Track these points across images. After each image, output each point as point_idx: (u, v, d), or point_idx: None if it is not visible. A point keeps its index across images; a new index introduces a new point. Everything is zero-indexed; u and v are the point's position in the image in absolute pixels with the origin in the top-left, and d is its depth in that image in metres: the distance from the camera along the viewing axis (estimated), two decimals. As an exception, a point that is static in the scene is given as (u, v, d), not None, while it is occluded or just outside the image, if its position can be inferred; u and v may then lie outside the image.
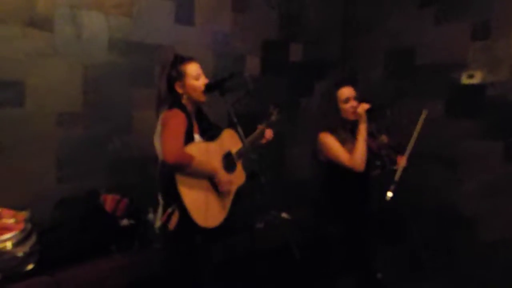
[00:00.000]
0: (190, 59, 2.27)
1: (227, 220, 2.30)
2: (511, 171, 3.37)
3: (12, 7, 2.54)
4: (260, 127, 2.52)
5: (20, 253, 2.20)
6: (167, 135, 2.07)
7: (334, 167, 2.73)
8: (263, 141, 2.55)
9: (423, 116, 2.81)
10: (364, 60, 4.41)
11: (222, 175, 2.25)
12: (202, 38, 3.47)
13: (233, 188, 2.38)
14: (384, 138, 2.82)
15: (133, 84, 3.08)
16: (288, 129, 4.01)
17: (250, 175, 2.45)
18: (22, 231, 2.26)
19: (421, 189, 3.67)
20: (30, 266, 2.25)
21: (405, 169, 2.71)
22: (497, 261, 3.40)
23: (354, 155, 2.64)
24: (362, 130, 2.66)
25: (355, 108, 2.72)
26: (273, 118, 2.61)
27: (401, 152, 2.78)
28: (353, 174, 2.66)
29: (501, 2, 3.43)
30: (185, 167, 2.04)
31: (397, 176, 2.67)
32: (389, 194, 2.58)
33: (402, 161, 2.73)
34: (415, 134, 2.76)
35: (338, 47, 4.56)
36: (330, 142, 2.73)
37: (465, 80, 3.66)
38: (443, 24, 3.79)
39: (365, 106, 2.69)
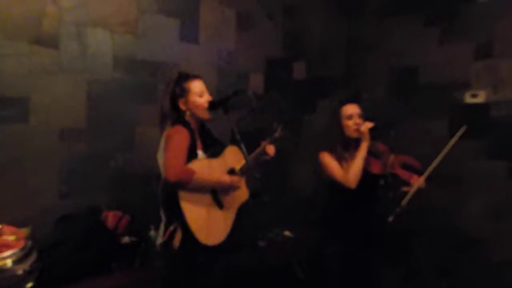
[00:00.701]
0: (194, 77, 2.29)
1: (229, 237, 2.28)
2: (516, 191, 3.35)
3: (19, 25, 2.57)
4: (263, 143, 2.52)
5: (20, 271, 2.17)
6: (169, 152, 2.07)
7: (336, 186, 2.72)
8: (266, 157, 2.55)
9: (460, 132, 2.64)
10: (368, 79, 4.43)
11: (227, 178, 2.24)
12: (207, 56, 3.49)
13: (236, 205, 2.37)
14: (391, 157, 2.75)
15: (137, 101, 3.09)
16: (291, 146, 4.00)
17: (253, 194, 2.43)
18: (23, 248, 2.23)
19: (425, 209, 3.64)
20: (30, 284, 2.22)
21: (420, 190, 2.59)
22: (503, 282, 3.36)
23: (348, 171, 2.63)
24: (363, 148, 2.66)
25: (358, 125, 2.72)
26: (277, 134, 2.61)
27: (418, 172, 2.71)
28: (355, 193, 2.64)
29: (504, 22, 3.45)
30: (186, 184, 2.03)
31: (407, 197, 2.57)
32: (390, 218, 2.53)
33: (417, 182, 2.62)
34: (444, 152, 2.62)
35: (342, 65, 4.58)
36: (327, 160, 2.75)
37: (468, 99, 3.66)
38: (447, 44, 3.81)
39: (368, 125, 2.68)
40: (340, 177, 2.66)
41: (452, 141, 2.65)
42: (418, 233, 2.82)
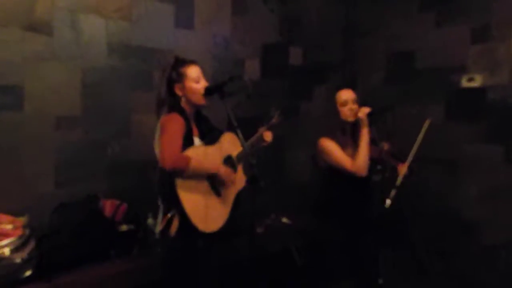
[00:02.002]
0: (191, 62, 2.27)
1: (227, 224, 2.28)
2: (511, 174, 3.37)
3: (11, 11, 2.53)
4: (260, 129, 2.51)
5: (18, 259, 2.17)
6: (164, 140, 2.05)
7: (334, 172, 2.71)
8: (264, 143, 2.54)
9: (426, 125, 2.72)
10: (365, 64, 4.41)
11: (222, 169, 2.22)
12: (202, 42, 3.46)
13: (234, 192, 2.37)
14: (384, 145, 2.78)
15: (132, 88, 3.07)
16: (288, 132, 3.99)
17: (250, 180, 2.43)
18: (20, 237, 2.23)
19: (422, 193, 3.66)
20: (28, 272, 2.22)
21: (406, 177, 2.66)
22: (498, 265, 3.39)
23: (357, 159, 2.63)
24: (364, 134, 2.65)
25: (353, 111, 2.72)
26: (274, 120, 2.60)
27: (402, 159, 2.75)
28: (353, 179, 2.65)
29: (501, 5, 3.43)
30: (182, 171, 2.03)
31: (397, 184, 2.62)
32: (388, 202, 2.55)
33: (403, 169, 2.68)
34: (417, 142, 2.69)
35: (338, 51, 4.56)
36: (331, 147, 2.73)
37: (465, 83, 3.65)
38: (443, 28, 3.79)
39: (365, 110, 2.68)
40: (349, 166, 2.65)
41: (422, 134, 2.70)
42: (414, 217, 2.84)
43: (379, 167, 2.74)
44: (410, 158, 2.68)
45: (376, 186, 2.80)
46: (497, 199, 3.45)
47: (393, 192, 2.60)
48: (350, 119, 2.73)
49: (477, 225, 3.54)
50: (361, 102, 2.80)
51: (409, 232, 2.78)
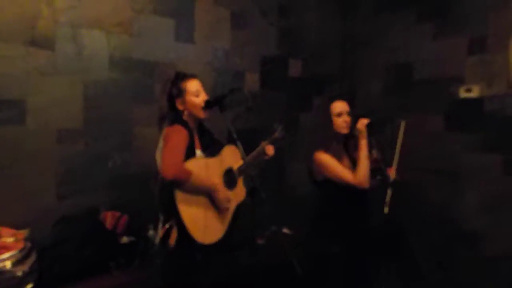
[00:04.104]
0: (190, 76, 2.30)
1: (227, 236, 2.29)
2: (511, 184, 3.37)
3: (14, 27, 2.57)
4: (262, 143, 2.53)
5: (19, 272, 2.18)
6: (167, 151, 2.08)
7: (331, 185, 2.69)
8: (266, 157, 2.55)
9: (402, 127, 2.79)
10: (363, 75, 4.45)
11: (221, 192, 2.24)
12: (202, 55, 3.50)
13: (234, 205, 2.38)
14: (374, 153, 2.76)
15: (134, 102, 3.10)
16: (287, 144, 4.01)
17: (250, 191, 2.44)
18: (22, 250, 2.24)
19: (421, 203, 3.66)
20: (29, 286, 2.22)
21: (396, 182, 2.68)
22: (499, 276, 3.38)
23: (358, 172, 2.59)
24: (363, 146, 2.63)
25: (347, 123, 2.72)
26: (276, 135, 2.61)
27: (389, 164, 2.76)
28: (350, 191, 2.63)
29: (498, 16, 3.46)
30: (183, 183, 2.04)
31: (390, 182, 2.68)
32: (386, 208, 2.57)
33: (392, 173, 2.71)
34: (398, 145, 2.75)
35: (337, 62, 4.60)
36: (329, 161, 2.67)
37: (463, 94, 3.68)
38: (441, 39, 3.83)
39: (364, 121, 2.68)
40: (351, 179, 2.59)
41: (400, 137, 2.77)
42: (413, 227, 2.84)
43: (378, 177, 2.74)
44: (395, 162, 2.73)
45: (374, 196, 2.79)
46: (497, 208, 3.44)
47: (389, 192, 2.61)
48: (344, 131, 2.72)
49: (477, 236, 3.53)
50: (360, 113, 2.81)
51: (408, 242, 2.78)
